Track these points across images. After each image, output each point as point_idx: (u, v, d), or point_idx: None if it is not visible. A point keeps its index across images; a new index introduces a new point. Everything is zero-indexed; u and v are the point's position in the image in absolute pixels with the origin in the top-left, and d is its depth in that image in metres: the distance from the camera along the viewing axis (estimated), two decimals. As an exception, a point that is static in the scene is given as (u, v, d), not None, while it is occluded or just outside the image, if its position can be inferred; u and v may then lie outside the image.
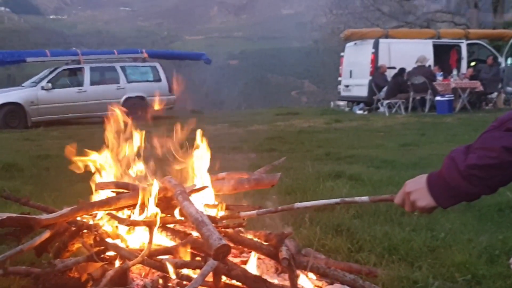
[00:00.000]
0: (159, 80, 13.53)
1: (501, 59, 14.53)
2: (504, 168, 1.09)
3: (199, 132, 2.16)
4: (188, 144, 2.26)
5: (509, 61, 14.60)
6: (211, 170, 2.16)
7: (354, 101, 14.63)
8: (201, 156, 2.12)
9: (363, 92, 13.74)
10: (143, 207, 1.84)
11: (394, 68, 12.99)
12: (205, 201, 1.99)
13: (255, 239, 1.88)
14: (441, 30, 15.71)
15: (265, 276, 1.84)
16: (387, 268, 2.20)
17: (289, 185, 3.97)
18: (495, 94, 13.18)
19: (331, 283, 1.90)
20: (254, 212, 1.83)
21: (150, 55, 14.22)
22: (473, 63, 14.68)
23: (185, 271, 1.73)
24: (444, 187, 1.18)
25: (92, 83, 12.82)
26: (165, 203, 1.87)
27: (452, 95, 11.81)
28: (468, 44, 14.71)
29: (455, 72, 13.21)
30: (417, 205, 1.25)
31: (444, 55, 14.62)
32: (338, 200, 1.66)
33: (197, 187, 1.95)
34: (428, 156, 5.62)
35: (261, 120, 11.25)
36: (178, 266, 1.66)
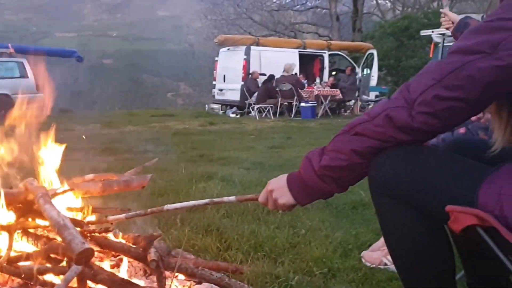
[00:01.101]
0: (26, 77, 12.51)
1: (358, 70, 15.95)
2: (353, 169, 1.18)
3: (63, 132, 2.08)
4: (54, 145, 2.16)
5: (365, 72, 16.09)
6: (79, 172, 2.10)
7: (227, 104, 14.96)
8: (66, 156, 2.05)
9: (235, 96, 14.13)
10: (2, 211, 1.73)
11: (264, 74, 13.56)
12: (71, 204, 1.93)
13: (123, 242, 1.86)
14: (306, 41, 16.82)
15: (133, 279, 1.84)
16: (253, 264, 2.27)
17: (162, 187, 3.94)
18: (353, 101, 14.38)
19: (199, 283, 1.94)
20: (123, 215, 1.82)
21: (17, 50, 13.08)
22: (334, 73, 15.91)
23: (48, 277, 1.66)
24: (301, 186, 1.27)
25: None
26: (27, 206, 1.77)
27: (315, 102, 12.67)
28: (330, 55, 15.92)
29: (318, 80, 14.23)
30: (279, 203, 1.32)
31: (309, 64, 15.64)
32: (207, 200, 1.70)
33: (61, 189, 1.88)
34: (293, 158, 5.95)
35: (135, 121, 10.99)
36: (40, 272, 1.60)
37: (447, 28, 2.55)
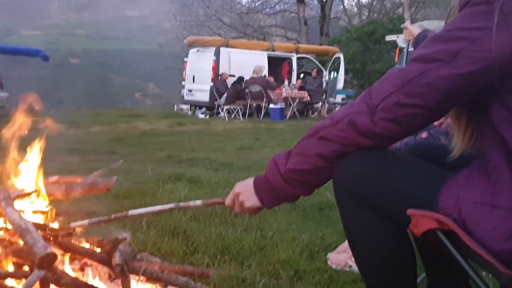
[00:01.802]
0: (-11, 75, 12.15)
1: (325, 73, 16.15)
2: (318, 172, 1.20)
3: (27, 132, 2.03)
4: (17, 145, 2.11)
5: (332, 75, 16.31)
6: (43, 174, 2.04)
7: (196, 105, 14.90)
8: (30, 158, 2.00)
9: (205, 97, 14.09)
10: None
11: (234, 76, 13.57)
12: (34, 207, 1.88)
13: (88, 246, 1.84)
14: (275, 43, 16.91)
15: (97, 283, 1.81)
16: (219, 268, 2.26)
17: (128, 189, 3.89)
18: (320, 104, 14.55)
19: (165, 286, 1.93)
20: (86, 221, 1.78)
21: None
22: (302, 75, 16.07)
23: (9, 282, 1.62)
24: (267, 188, 1.28)
25: None
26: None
27: (284, 104, 12.77)
28: (298, 58, 16.07)
29: (286, 82, 14.34)
30: (245, 206, 1.32)
31: (278, 66, 15.75)
32: (172, 205, 1.67)
33: (24, 191, 1.84)
34: (261, 159, 5.97)
35: (102, 121, 10.80)
36: (1, 276, 1.55)
37: (408, 40, 2.69)
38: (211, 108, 13.91)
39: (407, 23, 2.70)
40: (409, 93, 1.05)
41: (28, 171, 1.96)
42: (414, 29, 2.66)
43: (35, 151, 2.04)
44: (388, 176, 1.15)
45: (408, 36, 2.67)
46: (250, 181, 1.33)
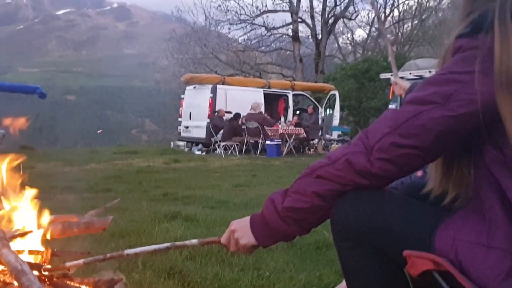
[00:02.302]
0: (-17, 112, 12.17)
1: (321, 110, 16.31)
2: (315, 211, 1.21)
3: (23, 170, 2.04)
4: (13, 184, 2.11)
5: (327, 112, 16.46)
6: (39, 213, 2.04)
7: (193, 142, 14.94)
8: (26, 197, 2.00)
9: (201, 133, 14.15)
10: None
11: (230, 112, 13.68)
12: (30, 247, 1.87)
13: (83, 286, 1.81)
14: (271, 81, 17.16)
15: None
16: None
17: (123, 228, 3.85)
18: (316, 140, 14.62)
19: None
20: (81, 261, 1.77)
21: None
22: (298, 112, 16.20)
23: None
24: (264, 226, 1.28)
25: None
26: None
27: (280, 140, 12.83)
28: (294, 95, 16.25)
29: (282, 119, 14.45)
30: (240, 243, 1.32)
31: (274, 103, 15.91)
32: (168, 244, 1.65)
33: (20, 231, 1.83)
34: (257, 196, 5.94)
35: (98, 159, 10.78)
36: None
37: (399, 94, 2.70)
38: (207, 144, 13.96)
39: (397, 79, 2.74)
40: (404, 134, 1.08)
41: (24, 211, 1.96)
42: (404, 83, 2.66)
43: (30, 190, 2.04)
44: (385, 217, 1.16)
45: (398, 91, 2.67)
46: (246, 219, 1.34)
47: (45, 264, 1.81)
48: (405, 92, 2.63)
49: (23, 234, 1.81)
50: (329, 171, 1.17)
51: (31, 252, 1.82)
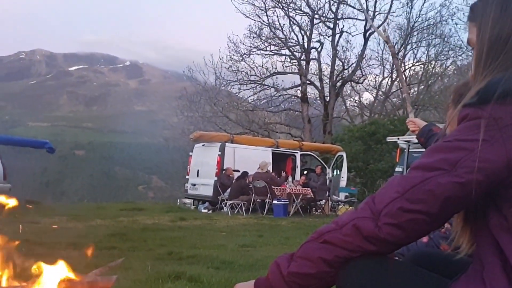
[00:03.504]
0: (-6, 166, 12.31)
1: (328, 170, 16.31)
2: (321, 277, 1.20)
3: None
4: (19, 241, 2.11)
5: (335, 173, 16.46)
6: (42, 272, 2.02)
7: (200, 199, 14.88)
8: (30, 252, 1.99)
9: (208, 191, 14.12)
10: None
11: (238, 171, 13.70)
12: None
13: None
14: (279, 140, 17.30)
15: None
16: None
17: (127, 287, 3.80)
18: (323, 201, 14.51)
19: None
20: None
21: None
22: (305, 172, 16.20)
23: None
24: None
25: None
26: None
27: (287, 200, 12.74)
28: (302, 155, 16.31)
29: (290, 179, 14.42)
30: None
31: (282, 162, 15.95)
32: None
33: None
34: (263, 258, 5.84)
35: (104, 215, 10.72)
36: None
37: (413, 131, 2.76)
38: (214, 203, 13.88)
39: (411, 117, 2.84)
40: (412, 199, 1.09)
41: (25, 266, 1.95)
42: (419, 121, 2.74)
43: (34, 245, 2.04)
44: (390, 286, 1.15)
45: (413, 127, 2.73)
46: (251, 282, 1.32)
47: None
48: (419, 131, 2.68)
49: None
50: (337, 236, 1.17)
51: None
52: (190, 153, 15.91)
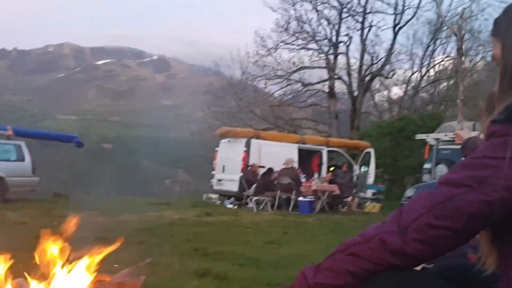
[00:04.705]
0: (23, 160, 12.59)
1: (356, 167, 16.14)
2: None
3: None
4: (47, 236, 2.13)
5: (362, 169, 16.27)
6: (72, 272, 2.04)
7: (225, 195, 14.94)
8: (60, 252, 2.01)
9: (234, 187, 14.16)
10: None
11: (263, 167, 13.69)
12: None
13: None
14: (306, 136, 17.21)
15: None
16: None
17: (154, 284, 3.82)
18: (350, 198, 14.38)
19: None
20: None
21: (16, 133, 13.23)
22: (332, 168, 16.07)
23: None
24: None
25: None
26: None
27: (313, 197, 12.66)
28: (329, 151, 16.17)
29: (316, 175, 14.32)
30: None
31: (308, 159, 15.85)
32: None
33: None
34: (289, 255, 5.84)
35: (131, 209, 10.86)
36: None
37: (458, 144, 2.89)
38: (239, 198, 13.92)
39: (459, 131, 2.96)
40: (438, 215, 1.10)
41: (58, 269, 1.96)
42: (465, 134, 2.85)
43: (64, 248, 2.05)
44: None
45: (458, 140, 2.87)
46: None
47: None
48: (463, 143, 2.78)
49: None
50: (363, 249, 1.18)
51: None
52: (216, 149, 15.98)
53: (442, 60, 27.05)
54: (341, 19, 24.24)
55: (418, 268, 1.37)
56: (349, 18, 24.44)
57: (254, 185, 13.18)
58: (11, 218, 8.78)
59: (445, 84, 27.56)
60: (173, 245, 6.36)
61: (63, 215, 2.11)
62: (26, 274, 2.04)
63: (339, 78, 25.00)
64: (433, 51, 26.33)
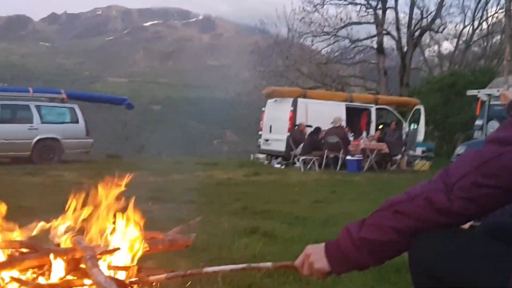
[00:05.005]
0: (77, 122, 13.11)
1: (405, 125, 15.74)
2: (391, 245, 1.23)
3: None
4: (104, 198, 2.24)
5: (412, 127, 15.86)
6: (127, 229, 2.14)
7: (272, 155, 15.03)
8: (115, 214, 2.11)
9: (281, 147, 14.19)
10: (49, 269, 1.78)
11: (310, 126, 13.60)
12: (116, 262, 1.97)
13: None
14: (353, 94, 16.85)
15: None
16: None
17: (204, 241, 3.95)
18: (399, 156, 14.12)
19: None
20: (163, 276, 1.84)
21: (69, 96, 13.74)
22: (380, 127, 15.74)
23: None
24: (338, 254, 1.30)
25: (2, 121, 12.12)
26: (73, 265, 1.82)
27: (361, 155, 12.51)
28: (377, 109, 15.81)
29: (364, 134, 14.09)
30: (314, 267, 1.34)
31: (355, 117, 15.58)
32: (244, 265, 1.74)
33: (108, 249, 1.93)
34: (337, 214, 5.85)
35: (181, 169, 11.17)
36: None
37: (503, 105, 2.81)
38: (287, 158, 13.97)
39: (504, 91, 2.83)
40: (485, 174, 1.09)
41: (112, 228, 2.07)
42: (510, 94, 2.79)
43: (119, 206, 2.15)
44: (463, 257, 1.16)
45: (503, 101, 2.81)
46: (322, 245, 1.36)
47: (132, 278, 1.90)
48: (508, 104, 2.70)
49: (112, 251, 1.90)
50: (408, 207, 1.18)
51: (117, 268, 1.91)
52: (263, 109, 15.97)
53: (495, 12, 25.48)
54: (390, -29, 23.13)
55: (466, 226, 1.36)
56: (398, -30, 23.30)
57: (301, 145, 13.15)
58: (68, 178, 9.21)
59: (498, 37, 26.03)
60: (221, 204, 6.51)
61: (118, 176, 2.21)
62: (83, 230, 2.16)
63: (388, 33, 24.07)
64: (486, 2, 24.80)
